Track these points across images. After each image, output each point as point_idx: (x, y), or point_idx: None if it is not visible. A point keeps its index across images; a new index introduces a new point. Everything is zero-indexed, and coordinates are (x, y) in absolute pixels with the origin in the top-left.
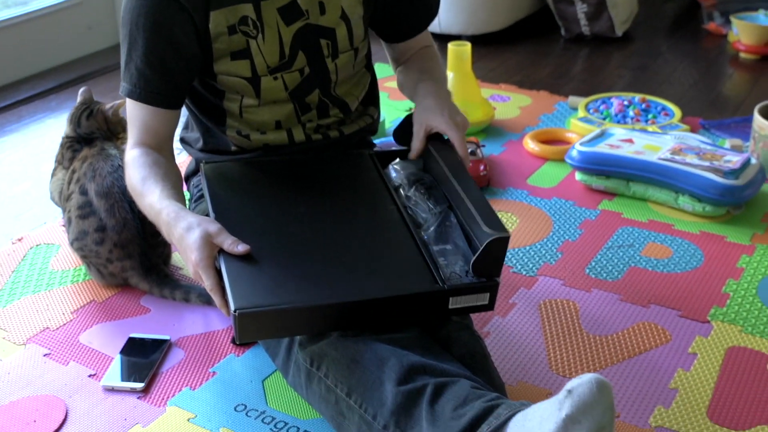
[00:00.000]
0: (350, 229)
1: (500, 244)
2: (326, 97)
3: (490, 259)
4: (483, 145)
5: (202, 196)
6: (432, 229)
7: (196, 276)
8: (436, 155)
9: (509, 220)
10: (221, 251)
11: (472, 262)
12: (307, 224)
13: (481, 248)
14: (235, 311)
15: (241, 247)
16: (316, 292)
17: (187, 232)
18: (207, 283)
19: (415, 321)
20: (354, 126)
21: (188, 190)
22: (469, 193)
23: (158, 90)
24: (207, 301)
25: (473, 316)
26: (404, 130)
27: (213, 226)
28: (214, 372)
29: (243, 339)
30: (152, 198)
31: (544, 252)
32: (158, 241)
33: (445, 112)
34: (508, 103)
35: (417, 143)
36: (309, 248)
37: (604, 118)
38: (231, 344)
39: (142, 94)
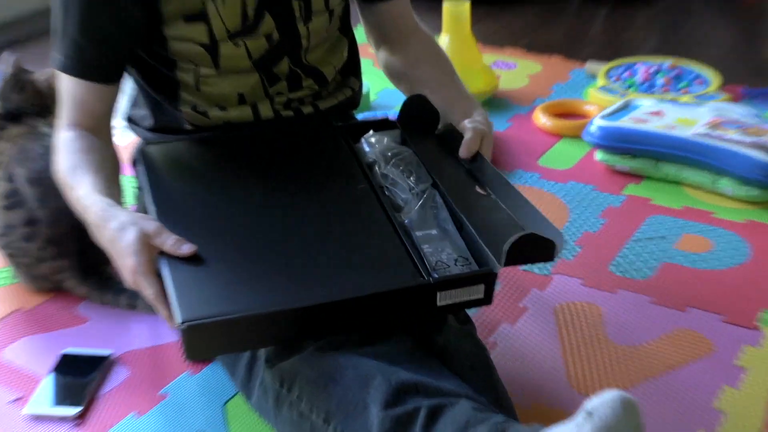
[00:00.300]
0: (316, 217)
1: (547, 244)
2: (297, 66)
3: (527, 249)
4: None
5: None
6: (414, 211)
7: (135, 285)
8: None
9: None
10: (162, 253)
11: (512, 240)
12: (266, 215)
13: (534, 237)
14: (181, 324)
15: (186, 248)
16: (278, 296)
17: (119, 232)
18: (148, 292)
19: (401, 324)
20: (332, 100)
21: (136, 177)
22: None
23: (95, 62)
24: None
25: (477, 322)
26: (411, 112)
27: (151, 225)
28: (164, 394)
29: (194, 356)
30: (81, 191)
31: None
32: None
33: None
34: (515, 70)
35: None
36: (269, 244)
37: (628, 87)
38: (185, 360)
39: (77, 66)
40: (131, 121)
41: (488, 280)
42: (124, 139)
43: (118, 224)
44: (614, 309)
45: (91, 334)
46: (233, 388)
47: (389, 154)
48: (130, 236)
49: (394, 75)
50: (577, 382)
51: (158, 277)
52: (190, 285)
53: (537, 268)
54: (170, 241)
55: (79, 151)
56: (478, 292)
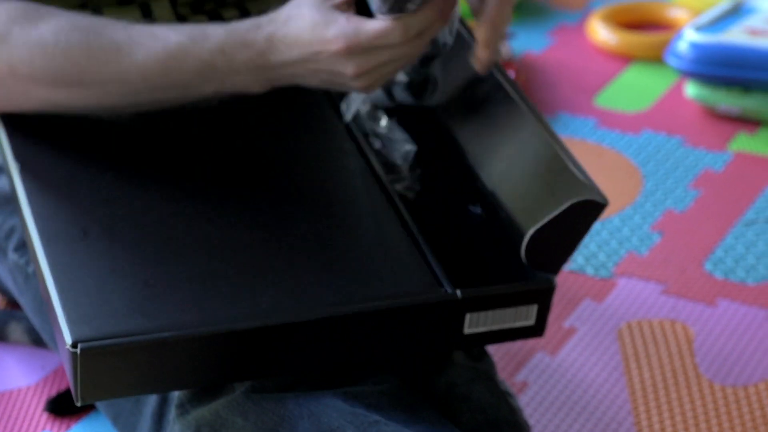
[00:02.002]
0: (278, 197)
1: (589, 211)
2: None
3: (562, 234)
4: (511, 34)
5: None
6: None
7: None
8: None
9: None
10: (46, 249)
11: (532, 231)
12: (202, 194)
13: (562, 208)
14: (72, 346)
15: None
16: (221, 312)
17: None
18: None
19: (397, 364)
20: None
21: None
22: (540, 121)
23: None
24: (35, 339)
25: (499, 353)
26: None
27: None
28: None
29: (87, 397)
30: (149, 39)
31: (627, 232)
32: None
33: None
34: None
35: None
36: (207, 237)
37: None
38: (45, 412)
39: None
40: None
41: (544, 298)
42: None
43: (285, 17)
44: (712, 330)
45: None
46: None
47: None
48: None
49: None
50: None
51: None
52: (86, 293)
53: (592, 267)
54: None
55: (62, 12)
56: (526, 316)
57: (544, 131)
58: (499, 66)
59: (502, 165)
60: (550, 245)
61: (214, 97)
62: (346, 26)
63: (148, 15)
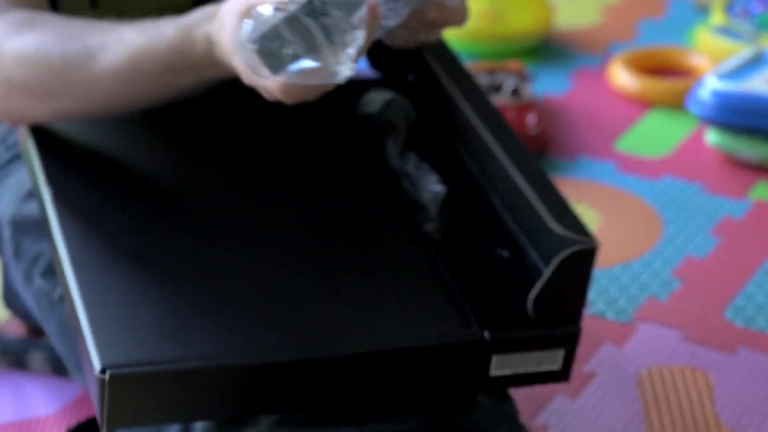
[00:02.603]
0: (303, 229)
1: (582, 259)
2: None
3: (565, 289)
4: (533, 78)
5: (17, 157)
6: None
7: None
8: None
9: (584, 216)
10: (75, 273)
11: (533, 294)
12: (226, 224)
13: (551, 268)
14: (101, 372)
15: None
16: (244, 343)
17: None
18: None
19: (422, 403)
20: None
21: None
22: (513, 155)
23: None
24: (56, 368)
25: (519, 396)
26: (380, 51)
27: None
28: None
29: (113, 424)
30: (111, 37)
31: (647, 278)
32: None
33: None
34: None
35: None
36: (231, 267)
37: (761, 28)
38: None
39: None
40: None
41: (570, 343)
42: None
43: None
44: (733, 378)
45: None
46: None
47: (402, 127)
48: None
49: None
50: None
51: None
52: (116, 320)
53: (612, 312)
54: None
55: (54, 19)
56: (553, 360)
57: (520, 178)
58: (481, 106)
59: (522, 211)
60: (558, 299)
61: (196, 87)
62: None
63: None
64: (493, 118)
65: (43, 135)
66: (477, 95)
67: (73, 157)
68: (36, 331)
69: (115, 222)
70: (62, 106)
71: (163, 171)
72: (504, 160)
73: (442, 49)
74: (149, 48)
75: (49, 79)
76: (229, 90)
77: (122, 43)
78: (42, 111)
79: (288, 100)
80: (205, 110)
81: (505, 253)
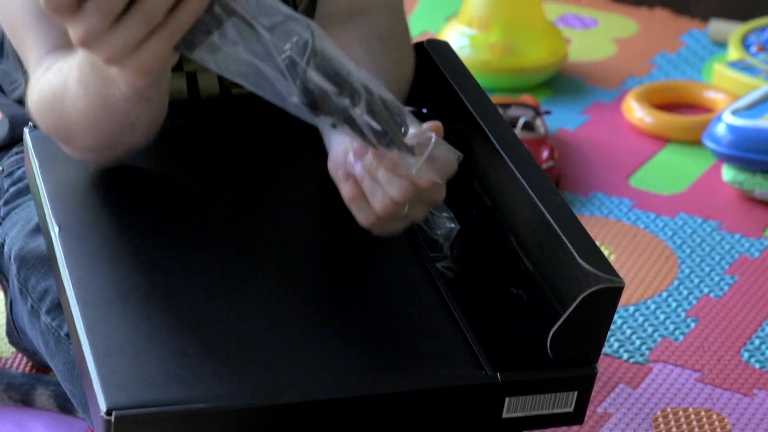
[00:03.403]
0: (314, 267)
1: (606, 298)
2: None
3: (584, 328)
4: (547, 112)
5: (23, 192)
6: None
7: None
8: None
9: None
10: (81, 311)
11: (552, 331)
12: (243, 259)
13: (574, 304)
14: (108, 413)
15: None
16: (252, 384)
17: None
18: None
19: None
20: None
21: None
22: (537, 189)
23: None
24: (62, 405)
25: None
26: None
27: None
28: None
29: None
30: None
31: (662, 317)
32: None
33: None
34: (594, 30)
35: None
36: (245, 303)
37: None
38: None
39: None
40: None
41: (584, 385)
42: None
43: None
44: (749, 421)
45: None
46: None
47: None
48: None
49: None
50: None
51: None
52: (122, 360)
53: (627, 352)
54: None
55: (57, 62)
56: (566, 403)
57: (545, 212)
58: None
59: (538, 249)
60: (577, 338)
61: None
62: None
63: (193, 84)
64: (517, 149)
65: (50, 171)
66: (499, 126)
67: (81, 193)
68: (42, 368)
69: (122, 260)
70: (80, 143)
71: (171, 210)
72: (527, 191)
73: (462, 77)
74: (80, 78)
75: (46, 122)
76: (238, 127)
77: (73, 80)
78: (73, 150)
79: None
80: (214, 148)
81: (520, 293)
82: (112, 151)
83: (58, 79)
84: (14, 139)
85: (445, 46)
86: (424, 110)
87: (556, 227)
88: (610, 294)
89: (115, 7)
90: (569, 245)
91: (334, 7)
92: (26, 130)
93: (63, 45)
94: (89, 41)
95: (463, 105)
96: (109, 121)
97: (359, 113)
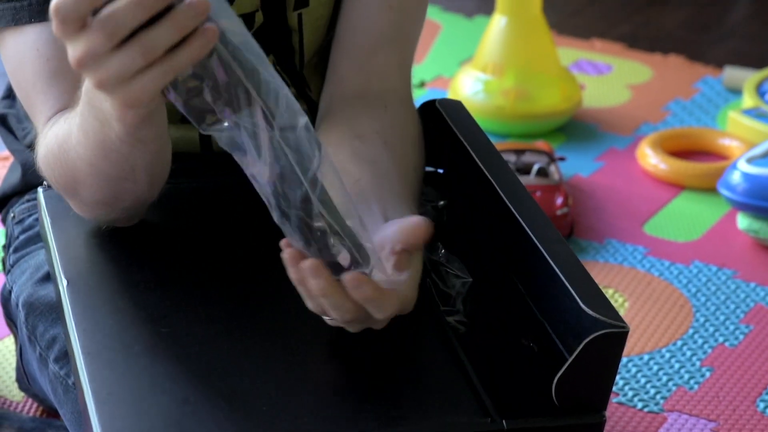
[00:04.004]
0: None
1: (611, 343)
2: (289, 73)
3: (590, 374)
4: (562, 158)
5: (33, 239)
6: None
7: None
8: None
9: (612, 301)
10: (87, 360)
11: (556, 377)
12: (246, 310)
13: (579, 349)
14: None
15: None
16: None
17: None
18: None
19: None
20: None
21: (2, 223)
22: (543, 238)
23: None
24: None
25: None
26: None
27: None
28: None
29: None
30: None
31: (677, 366)
32: None
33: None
34: (609, 76)
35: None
36: (248, 353)
37: None
38: None
39: (35, 5)
40: (3, 124)
41: None
42: None
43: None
44: None
45: None
46: None
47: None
48: None
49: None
50: None
51: None
52: (124, 409)
53: (641, 401)
54: None
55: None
56: None
57: (551, 262)
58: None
59: (546, 299)
60: (583, 384)
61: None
62: None
63: (205, 138)
64: (526, 204)
65: (62, 228)
66: (510, 182)
67: (90, 249)
68: (52, 412)
69: (127, 313)
70: (87, 194)
71: (176, 265)
72: (534, 242)
73: (473, 135)
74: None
75: (60, 173)
76: (246, 184)
77: (74, 127)
78: (82, 206)
79: None
80: (220, 204)
81: (530, 344)
82: (119, 202)
83: (63, 130)
84: (26, 186)
85: (457, 105)
86: (440, 171)
87: (561, 276)
88: (615, 339)
89: (120, 31)
90: (573, 292)
91: (346, 89)
92: (40, 190)
93: (70, 105)
94: (86, 61)
95: (475, 163)
96: (110, 166)
97: (332, 243)
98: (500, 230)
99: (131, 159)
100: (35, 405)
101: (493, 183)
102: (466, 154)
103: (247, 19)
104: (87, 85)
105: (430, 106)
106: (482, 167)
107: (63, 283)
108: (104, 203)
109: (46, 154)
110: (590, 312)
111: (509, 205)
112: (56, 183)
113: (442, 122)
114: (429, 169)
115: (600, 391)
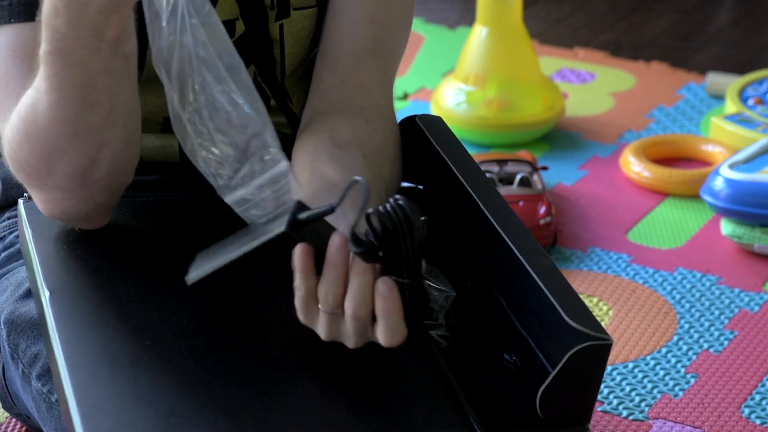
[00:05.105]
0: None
1: (594, 356)
2: (269, 85)
3: (574, 387)
4: (544, 168)
5: (14, 257)
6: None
7: None
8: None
9: (596, 310)
10: (71, 372)
11: (540, 390)
12: (232, 322)
13: (562, 361)
14: None
15: None
16: None
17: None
18: None
19: None
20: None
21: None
22: (524, 250)
23: None
24: None
25: None
26: None
27: None
28: None
29: None
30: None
31: (662, 373)
32: None
33: None
34: (592, 84)
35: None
36: (233, 366)
37: None
38: None
39: (16, 5)
40: None
41: None
42: None
43: None
44: None
45: None
46: None
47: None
48: None
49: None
50: None
51: None
52: (108, 422)
53: (626, 409)
54: None
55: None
56: None
57: (534, 275)
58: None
59: (529, 313)
60: (567, 397)
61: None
62: None
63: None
64: (502, 211)
65: (43, 239)
66: (491, 196)
67: (72, 261)
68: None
69: (111, 324)
70: (60, 166)
71: (160, 277)
72: (516, 255)
73: (454, 150)
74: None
75: (28, 148)
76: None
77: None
78: (52, 194)
79: None
80: (204, 218)
81: (514, 359)
82: (96, 171)
83: (26, 105)
84: (7, 202)
85: (437, 120)
86: (420, 187)
87: (544, 288)
88: (599, 351)
89: None
90: (557, 305)
91: (325, 104)
92: (21, 201)
93: None
94: None
95: (456, 178)
96: (90, 112)
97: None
98: (482, 244)
99: (112, 93)
100: (19, 425)
101: (475, 197)
102: (447, 169)
103: (228, 26)
104: (54, 39)
105: (410, 122)
106: (463, 182)
107: (45, 294)
108: (80, 174)
109: (12, 137)
110: (573, 324)
111: (491, 219)
112: (26, 163)
113: (422, 138)
114: (409, 185)
115: (584, 404)
